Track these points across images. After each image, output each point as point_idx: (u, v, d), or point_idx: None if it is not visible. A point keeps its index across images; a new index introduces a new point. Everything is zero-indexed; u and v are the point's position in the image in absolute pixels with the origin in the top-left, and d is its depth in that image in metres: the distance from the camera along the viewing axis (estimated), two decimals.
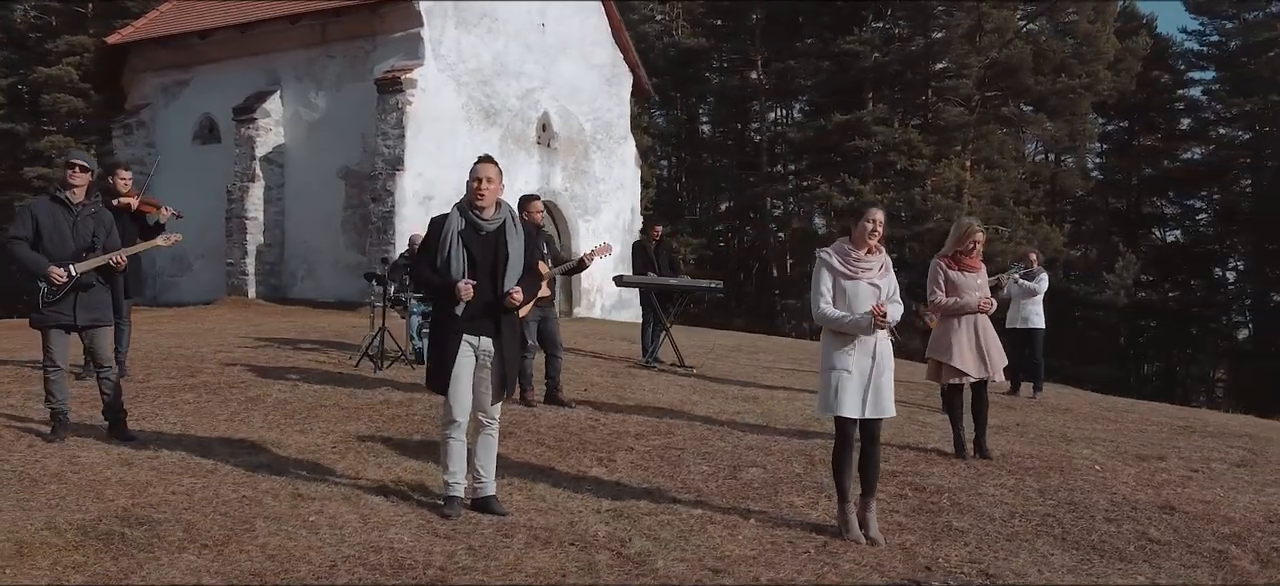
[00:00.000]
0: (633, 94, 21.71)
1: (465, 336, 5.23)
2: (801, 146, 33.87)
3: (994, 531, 5.41)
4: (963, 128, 31.84)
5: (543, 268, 7.87)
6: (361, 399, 8.14)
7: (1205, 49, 38.10)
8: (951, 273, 7.17)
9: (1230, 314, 40.66)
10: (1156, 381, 37.42)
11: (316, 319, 14.90)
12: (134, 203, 8.72)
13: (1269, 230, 36.93)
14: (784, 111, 41.13)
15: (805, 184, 36.23)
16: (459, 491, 5.30)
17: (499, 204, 5.45)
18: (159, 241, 7.03)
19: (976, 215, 30.71)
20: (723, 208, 42.20)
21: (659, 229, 12.15)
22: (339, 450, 6.55)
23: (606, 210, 20.60)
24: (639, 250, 11.77)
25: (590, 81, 20.19)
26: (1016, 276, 11.14)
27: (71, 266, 6.33)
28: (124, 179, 8.93)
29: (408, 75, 16.04)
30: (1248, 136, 37.75)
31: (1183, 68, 38.65)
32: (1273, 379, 32.82)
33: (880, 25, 34.41)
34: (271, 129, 17.44)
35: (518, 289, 5.25)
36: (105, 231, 6.53)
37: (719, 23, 39.55)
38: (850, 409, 5.22)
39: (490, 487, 5.40)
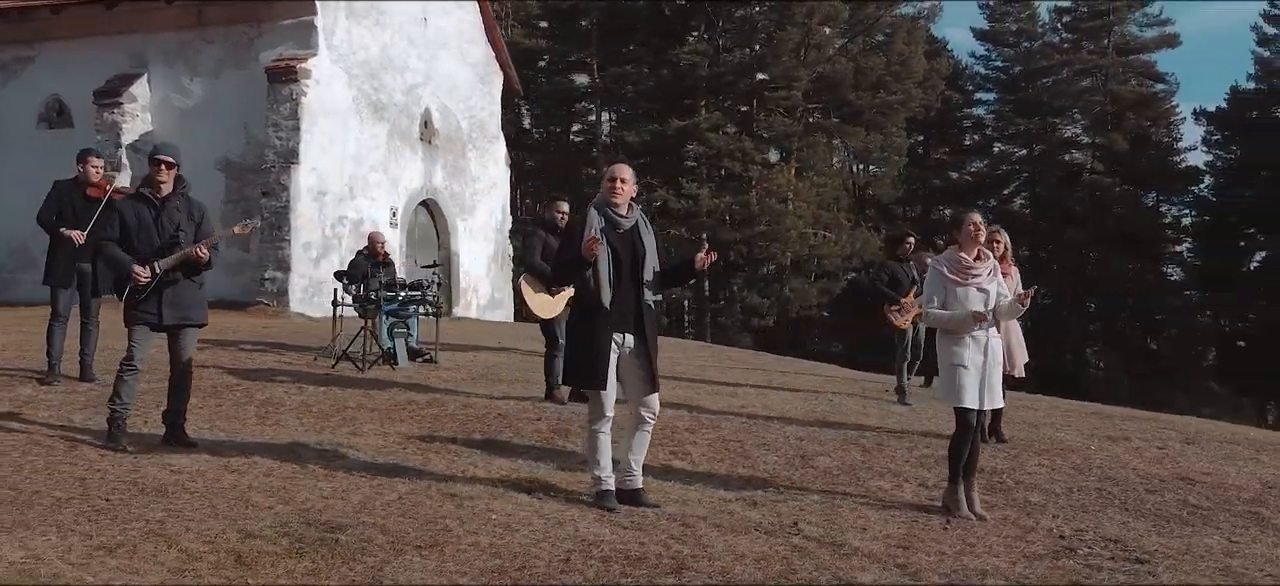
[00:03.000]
0: (502, 93, 21.64)
1: (612, 333, 5.38)
2: (639, 150, 34.67)
3: (1067, 504, 6.12)
4: (789, 136, 33.64)
5: None
6: (381, 400, 7.97)
7: (990, 73, 42.04)
8: None
9: None
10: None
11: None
12: (107, 192, 8.13)
13: (1041, 238, 41.32)
14: (610, 115, 41.82)
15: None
16: (611, 485, 5.44)
17: (631, 203, 5.63)
18: (236, 229, 6.68)
19: (804, 220, 32.70)
20: (536, 209, 42.43)
21: None
22: (417, 451, 6.47)
23: (481, 209, 20.48)
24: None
25: (466, 79, 20.01)
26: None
27: (155, 264, 6.00)
28: (96, 166, 8.33)
29: (303, 65, 15.39)
30: (1023, 153, 41.99)
31: (971, 89, 42.48)
32: (1039, 374, 36.87)
33: (708, 36, 35.74)
34: (138, 115, 16.22)
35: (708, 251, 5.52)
36: (194, 224, 6.20)
37: (546, 25, 39.78)
38: (971, 400, 5.76)
39: (639, 481, 5.55)
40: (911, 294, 10.64)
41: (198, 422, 7.00)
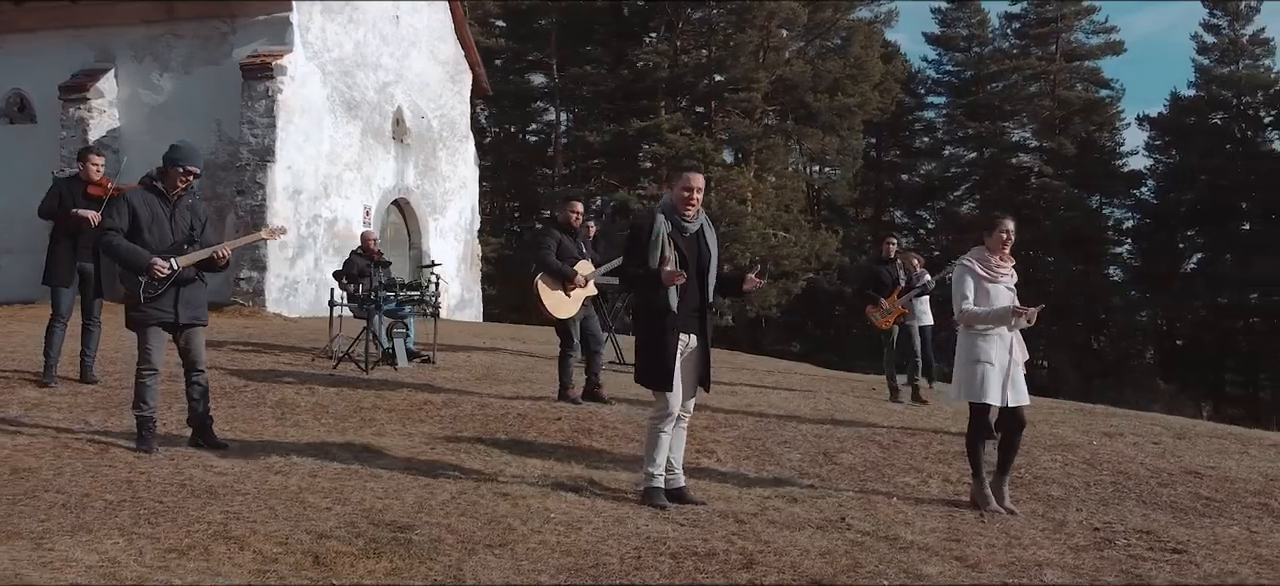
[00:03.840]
0: (472, 93, 21.53)
1: (679, 335, 5.43)
2: (599, 150, 34.74)
3: (1088, 497, 6.31)
4: (749, 139, 33.91)
5: (586, 267, 8.09)
6: (395, 401, 7.94)
7: (942, 77, 42.81)
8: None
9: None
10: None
11: None
12: (108, 190, 7.95)
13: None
14: (567, 115, 41.78)
15: (590, 187, 37.14)
16: (662, 483, 5.49)
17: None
18: (262, 233, 6.58)
19: (763, 221, 32.96)
20: (492, 208, 42.26)
21: (592, 226, 12.35)
22: (448, 451, 6.47)
23: (452, 209, 20.35)
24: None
25: (437, 77, 19.87)
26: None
27: (174, 260, 5.88)
28: (96, 164, 8.13)
29: (278, 61, 15.16)
30: (973, 156, 42.80)
31: (923, 92, 43.21)
32: None
33: (668, 37, 35.84)
34: (105, 110, 15.85)
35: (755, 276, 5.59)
36: (201, 224, 6.12)
37: (503, 24, 39.57)
38: (994, 397, 5.91)
39: (681, 479, 5.62)
40: (894, 295, 10.87)
41: (216, 424, 6.91)
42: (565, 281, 7.98)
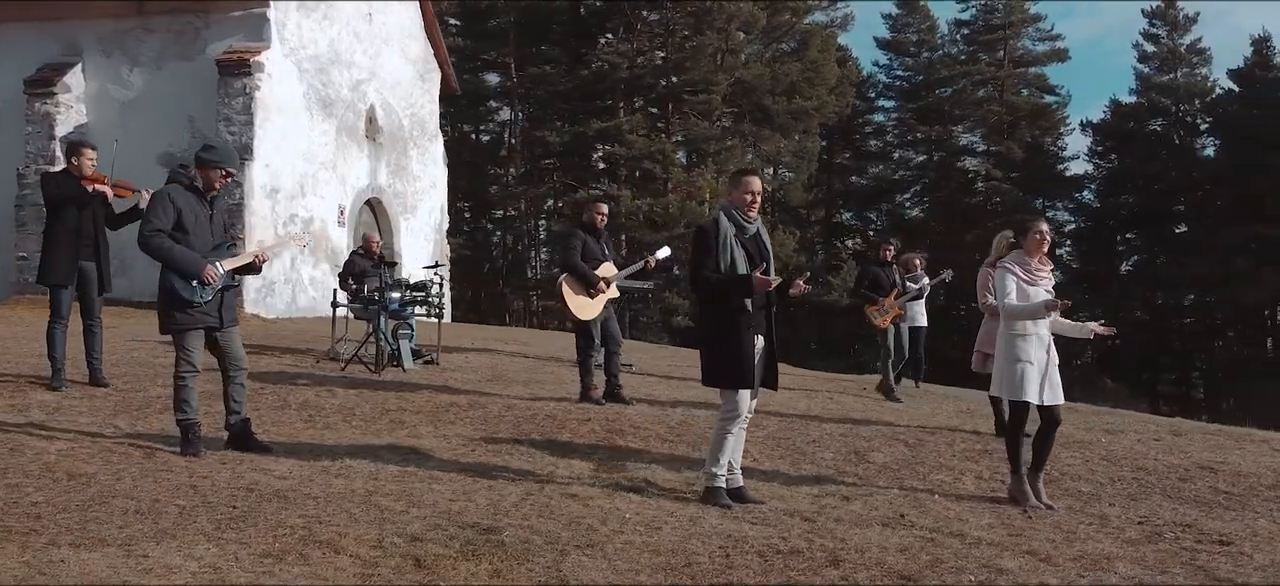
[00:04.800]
0: (440, 92, 21.35)
1: (754, 335, 5.49)
2: (558, 150, 34.65)
3: (1118, 493, 6.51)
4: (706, 140, 34.11)
5: (610, 269, 8.12)
6: (418, 402, 7.88)
7: (892, 81, 43.55)
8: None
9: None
10: (845, 367, 42.66)
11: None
12: (106, 185, 7.74)
13: (938, 241, 42.95)
14: (520, 114, 41.58)
15: (544, 188, 37.05)
16: (724, 483, 5.54)
17: None
18: (293, 240, 6.50)
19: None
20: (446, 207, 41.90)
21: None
22: (490, 453, 6.46)
23: (422, 208, 20.18)
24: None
25: (407, 76, 19.69)
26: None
27: (220, 265, 5.78)
28: (90, 158, 7.89)
29: (256, 58, 14.90)
30: (922, 159, 43.59)
31: (873, 96, 43.91)
32: (936, 371, 38.53)
33: (627, 39, 35.89)
34: (72, 106, 15.41)
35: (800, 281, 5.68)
36: (231, 225, 6.03)
37: (457, 23, 39.23)
38: (1032, 394, 6.08)
39: (740, 478, 5.69)
40: (892, 296, 11.08)
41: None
42: (590, 286, 8.00)
